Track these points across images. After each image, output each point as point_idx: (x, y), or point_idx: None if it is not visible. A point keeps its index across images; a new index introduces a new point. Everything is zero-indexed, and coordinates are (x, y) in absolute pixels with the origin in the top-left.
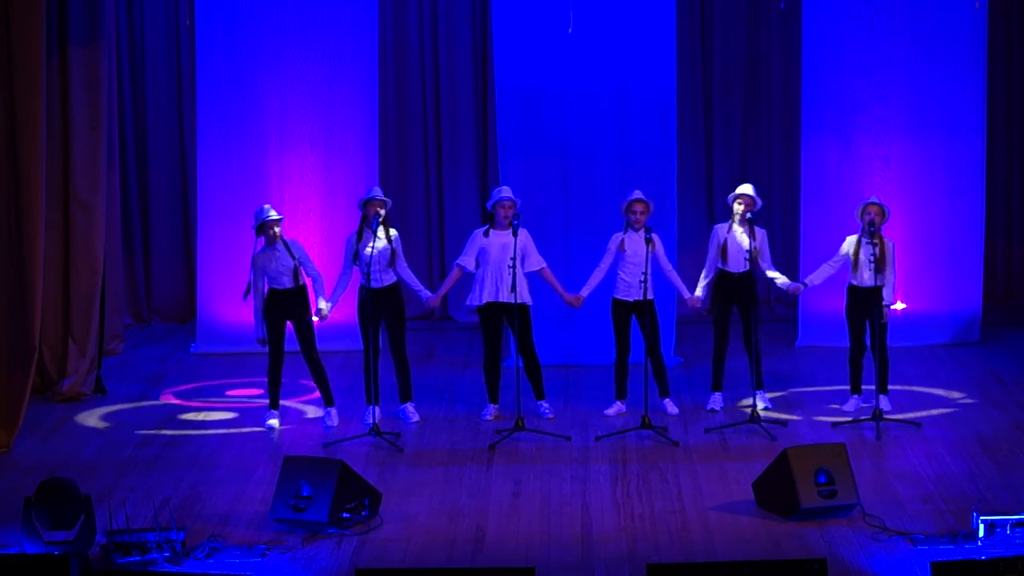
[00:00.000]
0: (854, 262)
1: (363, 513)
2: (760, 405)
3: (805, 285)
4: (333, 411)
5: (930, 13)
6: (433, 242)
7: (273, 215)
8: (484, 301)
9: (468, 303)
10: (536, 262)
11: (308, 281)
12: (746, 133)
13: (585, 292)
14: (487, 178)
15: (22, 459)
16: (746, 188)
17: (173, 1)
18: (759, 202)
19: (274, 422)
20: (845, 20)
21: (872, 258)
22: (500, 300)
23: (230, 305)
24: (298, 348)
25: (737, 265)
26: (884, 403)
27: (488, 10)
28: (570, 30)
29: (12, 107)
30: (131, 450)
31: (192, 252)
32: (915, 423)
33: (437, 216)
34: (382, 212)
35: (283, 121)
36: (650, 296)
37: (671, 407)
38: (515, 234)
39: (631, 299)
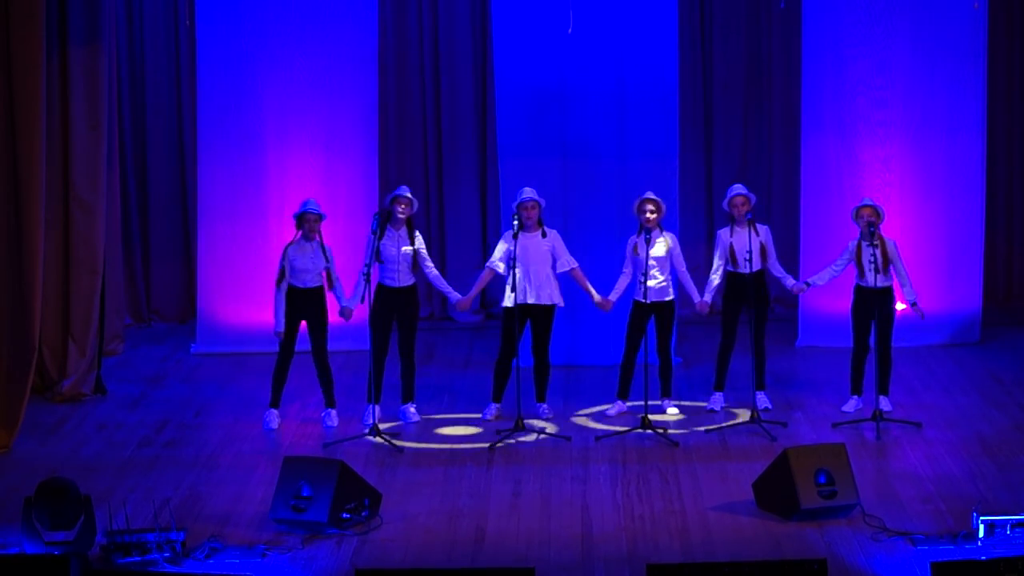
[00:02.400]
0: (859, 266)
1: (363, 513)
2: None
3: (808, 285)
4: (333, 412)
5: (930, 13)
6: (433, 242)
7: (317, 209)
8: (515, 303)
9: (503, 304)
10: (567, 262)
11: (324, 284)
12: (746, 133)
13: (614, 297)
14: (487, 178)
15: (22, 459)
16: (740, 189)
17: (173, 1)
18: (753, 198)
19: (271, 421)
20: (845, 20)
21: (873, 259)
22: (530, 302)
23: (230, 305)
24: (308, 349)
25: (747, 265)
26: (884, 403)
27: (488, 10)
28: (570, 30)
29: (12, 107)
30: (131, 450)
31: (192, 252)
32: (916, 423)
33: (437, 216)
34: (407, 211)
35: (283, 121)
36: (660, 298)
37: (671, 407)
38: (516, 235)
39: (649, 301)
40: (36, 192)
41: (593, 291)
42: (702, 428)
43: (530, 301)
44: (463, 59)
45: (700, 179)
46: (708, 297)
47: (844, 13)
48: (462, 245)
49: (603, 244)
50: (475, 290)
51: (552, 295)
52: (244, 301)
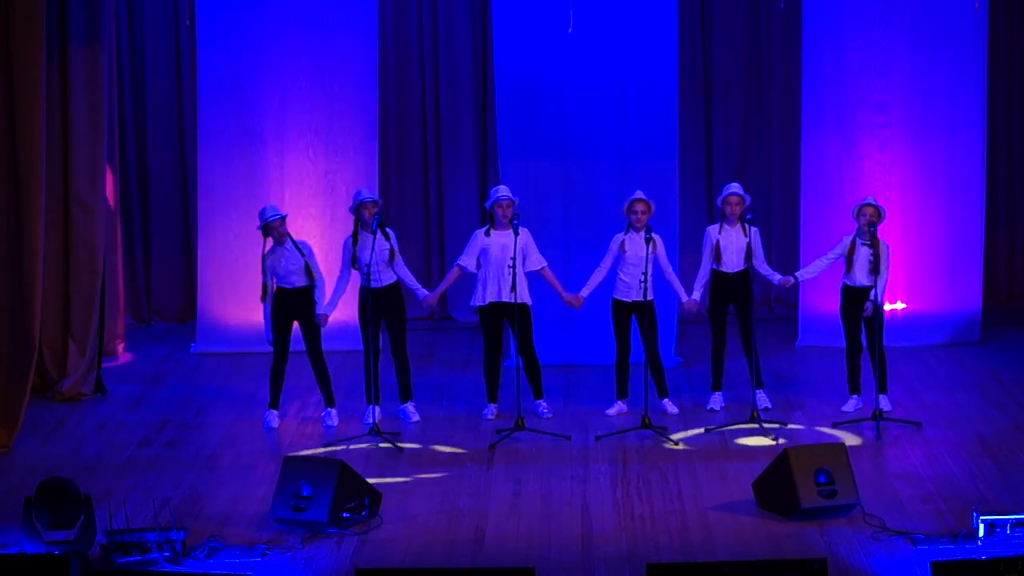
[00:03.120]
0: (848, 262)
1: (363, 513)
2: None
3: (796, 279)
4: (333, 411)
5: (930, 13)
6: (432, 242)
7: (277, 214)
8: (487, 301)
9: (471, 303)
10: (536, 261)
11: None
12: (746, 133)
13: (585, 292)
14: (487, 178)
15: (22, 459)
16: (736, 188)
17: (173, 1)
18: (748, 199)
19: (272, 420)
20: (845, 20)
21: (870, 259)
22: (502, 300)
23: (230, 305)
24: (303, 348)
25: (731, 265)
26: (884, 403)
27: (488, 10)
28: (570, 30)
29: (12, 107)
30: (131, 450)
31: (192, 252)
32: (915, 423)
33: (437, 216)
34: (373, 212)
35: (283, 121)
36: (650, 297)
37: (671, 407)
38: (516, 233)
39: (630, 300)
40: (36, 192)
41: (562, 290)
42: (702, 428)
43: (504, 299)
44: (463, 59)
45: (700, 179)
46: (697, 295)
47: (844, 13)
48: (462, 245)
49: (602, 244)
50: (442, 287)
51: (522, 294)
52: (244, 301)
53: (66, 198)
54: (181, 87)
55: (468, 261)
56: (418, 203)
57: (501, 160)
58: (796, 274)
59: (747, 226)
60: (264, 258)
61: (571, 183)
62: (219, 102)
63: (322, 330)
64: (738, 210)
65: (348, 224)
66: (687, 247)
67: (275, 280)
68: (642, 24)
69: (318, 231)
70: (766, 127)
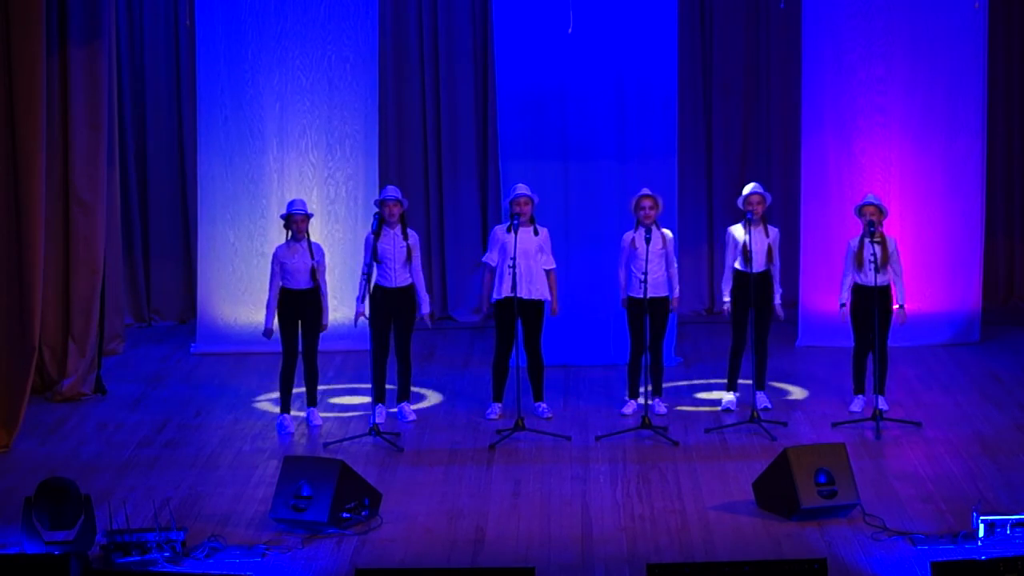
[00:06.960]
0: (859, 261)
1: (363, 513)
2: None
3: (843, 305)
4: (315, 410)
5: (930, 13)
6: (433, 242)
7: (303, 210)
8: (502, 295)
9: (492, 298)
10: (547, 261)
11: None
12: (746, 133)
13: (623, 294)
14: (487, 178)
15: (22, 459)
16: (757, 188)
17: (173, 1)
18: (769, 197)
19: (289, 425)
20: (845, 20)
21: (873, 257)
22: (520, 297)
23: (230, 305)
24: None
25: (758, 265)
26: (881, 403)
27: (488, 10)
28: (570, 30)
29: (12, 107)
30: (131, 450)
31: (192, 252)
32: (915, 423)
33: (437, 216)
34: (395, 211)
35: (283, 121)
36: (657, 294)
37: (659, 407)
38: (514, 231)
39: (647, 297)
40: (36, 192)
41: (555, 298)
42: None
43: (520, 295)
44: (463, 59)
45: (700, 179)
46: (727, 297)
47: (844, 13)
48: (462, 245)
49: (604, 244)
50: (485, 292)
51: (541, 290)
52: (244, 301)
53: (66, 198)
54: (181, 87)
55: (492, 257)
56: (418, 203)
57: (502, 160)
58: (841, 301)
59: (768, 225)
60: (277, 248)
61: (572, 183)
62: (219, 102)
63: (326, 330)
64: (760, 209)
65: (348, 223)
66: (687, 247)
67: (282, 276)
68: (642, 24)
69: (317, 231)
70: (766, 127)
